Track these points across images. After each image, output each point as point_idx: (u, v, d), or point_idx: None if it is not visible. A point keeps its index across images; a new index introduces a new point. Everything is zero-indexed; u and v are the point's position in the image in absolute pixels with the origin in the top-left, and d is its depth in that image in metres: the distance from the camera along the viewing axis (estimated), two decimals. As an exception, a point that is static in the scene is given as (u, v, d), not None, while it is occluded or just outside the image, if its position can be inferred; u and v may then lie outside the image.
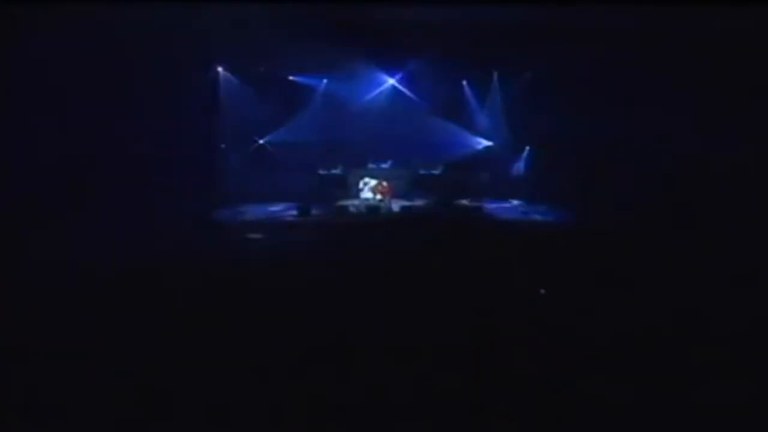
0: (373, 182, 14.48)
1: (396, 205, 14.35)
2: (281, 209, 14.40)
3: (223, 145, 15.68)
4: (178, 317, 5.10)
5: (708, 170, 11.97)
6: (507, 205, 14.66)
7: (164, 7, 11.20)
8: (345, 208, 14.30)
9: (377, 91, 16.22)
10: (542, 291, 5.95)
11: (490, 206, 14.04)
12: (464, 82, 16.21)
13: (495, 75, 15.91)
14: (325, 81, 16.16)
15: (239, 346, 4.50)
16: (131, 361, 4.16)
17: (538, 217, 13.48)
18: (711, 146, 12.02)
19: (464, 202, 14.46)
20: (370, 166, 15.53)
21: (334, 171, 15.94)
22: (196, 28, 12.16)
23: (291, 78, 15.76)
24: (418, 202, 14.64)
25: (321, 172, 15.91)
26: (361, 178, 14.70)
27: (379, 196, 14.33)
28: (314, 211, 13.63)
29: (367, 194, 14.46)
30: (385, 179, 14.68)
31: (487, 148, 16.46)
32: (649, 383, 3.94)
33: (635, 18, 11.76)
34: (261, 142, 16.09)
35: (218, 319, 5.07)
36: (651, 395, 3.78)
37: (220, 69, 15.24)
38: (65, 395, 3.68)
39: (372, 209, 13.91)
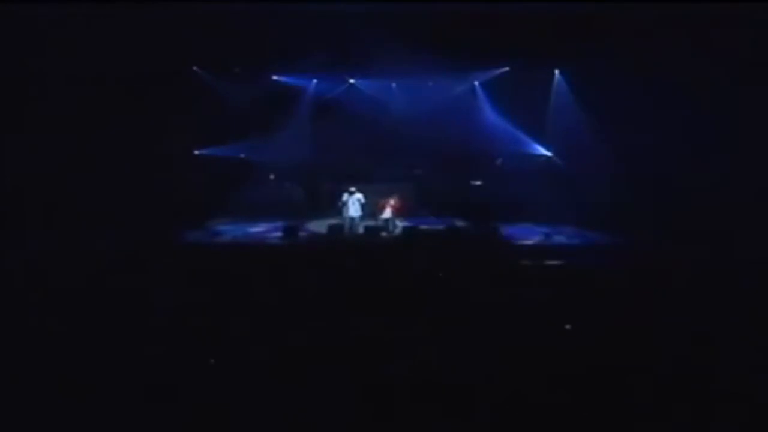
0: (358, 195, 12.15)
1: (399, 226, 12.30)
2: (264, 230, 12.48)
3: (197, 151, 13.80)
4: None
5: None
6: (527, 226, 12.68)
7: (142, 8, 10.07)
8: (339, 228, 12.28)
9: (378, 92, 14.35)
10: (568, 327, 5.63)
11: (509, 230, 11.98)
12: (476, 83, 14.45)
13: (512, 75, 13.71)
14: (314, 81, 14.35)
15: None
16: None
17: (563, 240, 11.59)
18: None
19: (479, 223, 12.48)
20: (369, 178, 13.56)
21: (326, 185, 14.03)
22: (173, 30, 10.88)
23: (275, 77, 13.86)
24: (426, 223, 12.56)
25: (313, 185, 14.21)
26: (354, 193, 12.16)
27: (387, 215, 12.15)
28: (302, 233, 11.72)
29: (354, 212, 12.04)
30: (390, 195, 12.36)
31: (503, 156, 14.59)
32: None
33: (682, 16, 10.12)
34: (242, 156, 14.14)
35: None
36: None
37: (195, 68, 13.34)
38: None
39: (373, 231, 11.87)
